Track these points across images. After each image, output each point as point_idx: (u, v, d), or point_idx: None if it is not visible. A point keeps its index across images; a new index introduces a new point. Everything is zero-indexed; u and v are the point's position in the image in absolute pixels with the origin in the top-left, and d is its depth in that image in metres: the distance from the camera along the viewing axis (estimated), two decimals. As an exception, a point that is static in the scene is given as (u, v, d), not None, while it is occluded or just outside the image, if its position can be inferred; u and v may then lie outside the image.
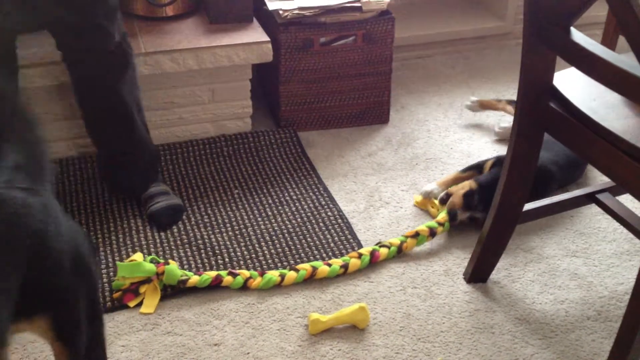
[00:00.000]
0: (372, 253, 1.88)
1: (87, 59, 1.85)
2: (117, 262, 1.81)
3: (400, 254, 1.91)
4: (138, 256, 1.83)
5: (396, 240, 1.91)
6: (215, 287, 1.80)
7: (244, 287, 1.80)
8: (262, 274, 1.81)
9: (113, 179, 2.08)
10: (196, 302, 1.76)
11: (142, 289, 1.76)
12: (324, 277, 1.83)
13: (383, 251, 1.89)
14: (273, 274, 1.81)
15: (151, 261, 1.81)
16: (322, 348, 1.65)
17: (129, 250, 1.92)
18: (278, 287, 1.81)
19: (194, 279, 1.78)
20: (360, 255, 1.86)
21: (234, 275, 1.80)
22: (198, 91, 2.32)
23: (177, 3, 2.34)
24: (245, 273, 1.81)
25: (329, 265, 1.84)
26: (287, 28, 2.31)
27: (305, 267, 1.83)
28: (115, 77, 1.89)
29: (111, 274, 1.83)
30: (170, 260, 1.83)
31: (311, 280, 1.83)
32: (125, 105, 1.93)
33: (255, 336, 1.68)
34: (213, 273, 1.80)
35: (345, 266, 1.84)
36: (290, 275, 1.82)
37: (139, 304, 1.75)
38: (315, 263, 1.84)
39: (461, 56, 2.94)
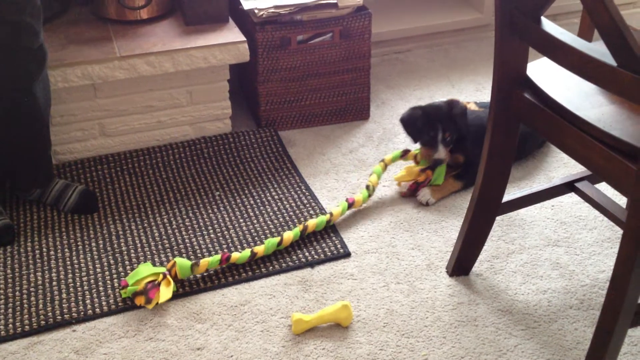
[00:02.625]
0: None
1: (9, 56, 1.84)
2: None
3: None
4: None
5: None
6: (199, 290, 1.79)
7: (251, 261, 1.88)
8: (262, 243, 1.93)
9: (11, 175, 2.07)
10: (178, 307, 1.75)
11: (159, 280, 1.77)
12: (314, 229, 1.95)
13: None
14: (272, 239, 1.89)
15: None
16: (306, 348, 1.64)
17: (109, 256, 1.90)
18: (261, 287, 1.81)
19: (204, 260, 1.81)
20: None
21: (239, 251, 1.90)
22: (176, 94, 2.31)
23: (151, 6, 2.32)
24: (247, 250, 1.88)
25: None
26: (263, 27, 2.30)
27: (293, 230, 1.94)
28: (32, 76, 1.90)
29: (99, 281, 1.82)
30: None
31: (294, 280, 1.83)
32: (38, 106, 1.94)
33: (239, 339, 1.67)
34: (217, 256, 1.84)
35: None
36: (287, 234, 1.90)
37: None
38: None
39: (440, 49, 2.93)
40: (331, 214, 1.98)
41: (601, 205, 1.68)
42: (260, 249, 1.87)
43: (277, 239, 1.89)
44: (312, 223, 1.95)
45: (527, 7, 1.44)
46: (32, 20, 1.83)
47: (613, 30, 1.21)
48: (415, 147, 2.20)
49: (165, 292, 1.74)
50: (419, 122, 2.11)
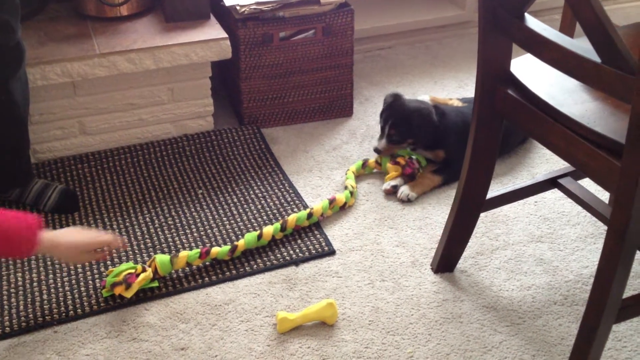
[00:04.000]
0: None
1: None
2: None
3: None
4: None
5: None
6: (183, 290, 1.78)
7: (232, 258, 1.87)
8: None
9: None
10: (161, 307, 1.74)
11: (138, 271, 1.75)
12: (294, 224, 1.94)
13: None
14: (252, 233, 1.89)
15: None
16: (291, 346, 1.64)
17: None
18: (245, 285, 1.80)
19: (183, 252, 1.81)
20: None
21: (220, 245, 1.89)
22: (157, 91, 2.28)
23: (131, 2, 2.30)
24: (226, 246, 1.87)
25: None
26: (245, 24, 2.28)
27: (273, 225, 1.93)
28: (8, 74, 1.86)
29: (80, 282, 1.80)
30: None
31: (278, 279, 1.82)
32: (16, 105, 1.91)
33: (223, 338, 1.66)
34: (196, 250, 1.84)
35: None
36: (267, 228, 1.90)
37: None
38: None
39: (422, 46, 2.94)
40: (312, 209, 1.98)
41: (584, 201, 1.69)
42: (240, 243, 1.86)
43: (257, 232, 1.89)
44: (292, 218, 1.94)
45: (510, 4, 1.44)
46: (9, 17, 1.79)
47: (597, 27, 1.22)
48: (373, 157, 2.24)
49: (145, 276, 1.73)
50: (382, 108, 2.23)
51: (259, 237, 1.88)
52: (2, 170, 2.00)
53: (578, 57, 1.29)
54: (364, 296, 1.77)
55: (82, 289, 1.78)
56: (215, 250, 1.83)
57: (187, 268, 1.83)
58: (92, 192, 2.12)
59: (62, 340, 1.65)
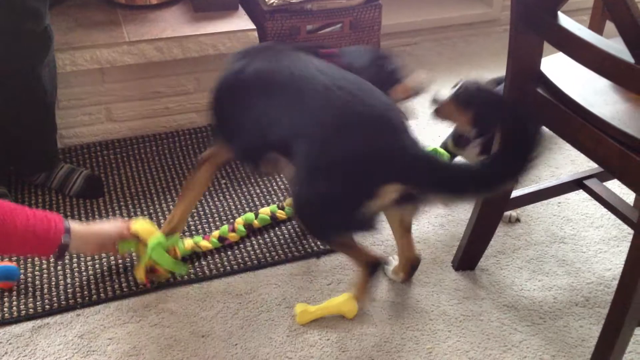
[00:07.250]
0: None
1: (13, 38, 1.81)
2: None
3: None
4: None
5: None
6: (205, 278, 1.79)
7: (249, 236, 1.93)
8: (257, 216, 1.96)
9: (16, 160, 2.05)
10: (183, 294, 1.75)
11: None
12: None
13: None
14: (264, 212, 1.96)
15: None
16: (311, 338, 1.64)
17: (115, 241, 1.90)
18: (266, 276, 1.81)
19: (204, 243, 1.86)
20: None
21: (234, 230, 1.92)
22: (183, 80, 2.29)
23: (161, -9, 2.31)
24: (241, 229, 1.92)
25: None
26: (273, 15, 2.29)
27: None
28: (37, 60, 1.88)
29: (104, 267, 1.82)
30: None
31: (300, 270, 1.82)
32: (43, 90, 1.92)
33: (244, 327, 1.67)
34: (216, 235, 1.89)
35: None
36: (264, 209, 1.97)
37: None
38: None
39: (449, 43, 2.93)
40: None
41: (610, 203, 1.68)
42: (256, 223, 1.93)
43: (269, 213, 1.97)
44: (289, 199, 2.00)
45: (544, 1, 1.43)
46: (37, 3, 1.80)
47: (632, 27, 1.21)
48: None
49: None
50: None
51: (256, 215, 1.94)
52: (28, 154, 2.03)
53: (612, 58, 1.28)
54: (385, 291, 1.77)
55: (106, 273, 1.80)
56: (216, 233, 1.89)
57: (208, 255, 1.85)
58: (116, 179, 2.14)
59: (85, 324, 1.67)
